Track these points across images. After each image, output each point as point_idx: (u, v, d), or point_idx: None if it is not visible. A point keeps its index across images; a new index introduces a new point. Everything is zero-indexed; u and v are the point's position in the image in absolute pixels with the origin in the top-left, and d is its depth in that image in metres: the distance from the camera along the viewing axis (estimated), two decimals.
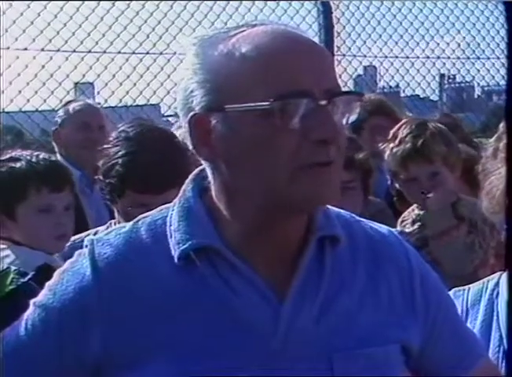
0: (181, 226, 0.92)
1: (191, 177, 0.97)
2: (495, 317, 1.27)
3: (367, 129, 2.80)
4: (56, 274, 0.96)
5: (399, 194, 2.25)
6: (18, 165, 1.70)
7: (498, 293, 1.29)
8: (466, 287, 1.34)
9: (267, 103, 0.84)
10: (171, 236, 0.92)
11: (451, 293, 1.34)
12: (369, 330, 0.93)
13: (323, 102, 0.85)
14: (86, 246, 0.95)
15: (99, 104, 4.36)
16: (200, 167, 0.96)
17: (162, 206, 0.97)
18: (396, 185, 2.14)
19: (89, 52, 3.99)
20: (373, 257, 0.97)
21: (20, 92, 3.86)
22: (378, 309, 0.95)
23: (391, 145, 2.06)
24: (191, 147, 0.92)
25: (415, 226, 2.02)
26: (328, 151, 0.86)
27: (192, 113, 0.89)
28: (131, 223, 0.96)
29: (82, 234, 1.79)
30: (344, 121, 0.88)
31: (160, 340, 0.89)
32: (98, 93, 4.32)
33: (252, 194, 0.89)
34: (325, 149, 0.86)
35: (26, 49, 3.86)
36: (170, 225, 0.93)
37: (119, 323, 0.90)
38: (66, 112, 2.88)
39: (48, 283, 0.96)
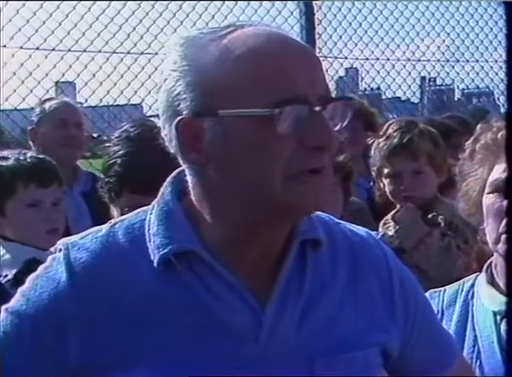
0: (160, 230, 0.90)
1: (169, 179, 0.95)
2: (469, 318, 1.28)
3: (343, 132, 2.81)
4: (28, 279, 0.93)
5: (382, 195, 2.27)
6: (6, 163, 1.77)
7: (473, 294, 1.30)
8: (442, 288, 1.34)
9: (266, 109, 0.83)
10: (150, 240, 0.90)
11: (427, 294, 1.35)
12: (350, 334, 0.93)
13: (318, 108, 0.85)
14: (60, 250, 0.92)
15: (80, 103, 4.34)
16: (178, 170, 0.94)
17: (139, 210, 0.95)
18: (380, 184, 2.15)
19: (69, 50, 3.95)
20: (352, 259, 0.97)
21: None
22: (359, 312, 0.94)
23: (379, 141, 2.07)
24: (175, 150, 0.89)
25: (397, 229, 2.02)
26: (322, 158, 0.86)
27: (179, 117, 0.86)
28: (107, 226, 0.94)
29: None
30: (337, 127, 0.87)
31: (141, 345, 0.87)
32: (79, 92, 4.29)
33: (242, 199, 0.87)
34: (320, 155, 0.86)
35: (5, 46, 3.82)
36: (149, 229, 0.91)
37: (97, 329, 0.88)
38: (42, 111, 2.84)
39: (20, 289, 0.93)
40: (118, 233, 0.92)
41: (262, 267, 0.91)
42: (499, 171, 1.24)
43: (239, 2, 4.48)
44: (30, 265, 0.95)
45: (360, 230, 1.02)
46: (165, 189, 0.94)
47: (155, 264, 0.89)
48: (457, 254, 1.92)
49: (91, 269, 0.90)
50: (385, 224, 2.09)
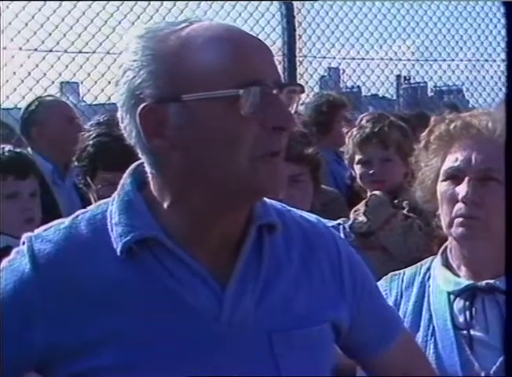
0: (122, 219, 0.87)
1: (128, 171, 0.92)
2: (426, 298, 1.26)
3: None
4: None
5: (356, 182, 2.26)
6: None
7: (429, 276, 1.29)
8: (402, 271, 1.33)
9: (231, 90, 0.81)
10: (112, 230, 0.87)
11: (388, 276, 1.33)
12: (305, 311, 0.92)
13: (276, 91, 0.84)
14: (24, 243, 0.89)
15: (84, 101, 4.31)
16: (137, 162, 0.91)
17: (101, 202, 0.93)
18: (352, 172, 2.15)
19: (65, 52, 3.93)
20: (305, 243, 0.96)
21: None
22: (312, 291, 0.94)
23: (352, 130, 2.11)
24: (135, 141, 0.86)
25: (366, 210, 2.02)
26: (281, 140, 0.85)
27: (143, 104, 0.83)
28: (70, 218, 0.91)
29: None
30: (292, 111, 0.86)
31: (106, 331, 0.85)
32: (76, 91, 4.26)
33: (207, 183, 0.84)
34: (279, 137, 0.84)
35: (5, 48, 3.79)
36: (111, 219, 0.88)
37: (63, 317, 0.85)
38: (48, 109, 2.78)
39: None
40: (81, 225, 0.89)
41: (222, 251, 0.89)
42: (451, 160, 1.22)
43: (225, 4, 4.44)
44: (3, 253, 0.92)
45: (311, 217, 1.01)
46: (125, 181, 0.91)
47: (118, 252, 0.86)
48: (418, 234, 1.93)
49: (55, 259, 0.87)
50: (355, 211, 2.09)
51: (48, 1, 3.84)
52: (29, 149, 2.68)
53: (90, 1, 3.97)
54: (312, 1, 4.54)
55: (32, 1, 3.81)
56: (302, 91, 0.88)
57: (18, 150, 1.85)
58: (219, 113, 0.82)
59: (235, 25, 0.88)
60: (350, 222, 2.01)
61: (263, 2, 4.43)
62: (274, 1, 4.35)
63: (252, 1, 4.42)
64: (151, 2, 4.14)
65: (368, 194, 2.09)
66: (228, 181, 0.84)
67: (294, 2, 4.27)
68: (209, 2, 4.31)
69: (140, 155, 0.88)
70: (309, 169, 1.81)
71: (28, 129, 2.81)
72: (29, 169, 1.78)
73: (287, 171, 1.69)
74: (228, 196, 0.85)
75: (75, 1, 3.91)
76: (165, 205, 0.87)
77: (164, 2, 4.18)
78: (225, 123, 0.82)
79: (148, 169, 0.88)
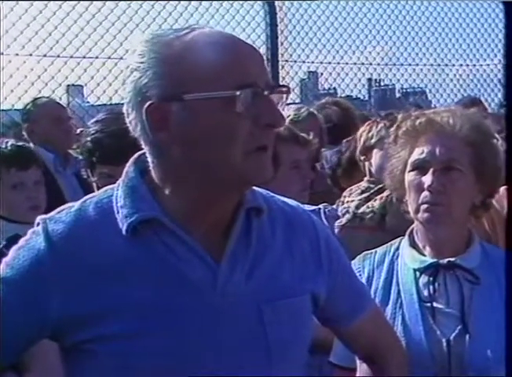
0: (127, 202, 0.88)
1: (131, 160, 0.92)
2: (394, 275, 1.27)
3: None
4: (11, 251, 0.89)
5: (345, 171, 2.21)
6: None
7: (398, 255, 1.29)
8: (374, 250, 1.33)
9: (228, 92, 0.81)
10: (118, 212, 0.88)
11: (361, 256, 1.34)
12: (288, 284, 0.93)
13: (267, 92, 0.85)
14: (38, 224, 0.89)
15: (88, 102, 4.30)
16: (139, 152, 0.91)
17: (107, 187, 0.93)
18: (371, 162, 2.00)
19: (71, 57, 3.93)
20: (287, 225, 0.97)
21: (12, 91, 3.76)
22: (294, 267, 0.95)
23: (385, 122, 1.95)
24: (140, 133, 0.86)
25: (364, 195, 1.98)
26: (271, 135, 0.85)
27: (149, 102, 0.83)
28: (79, 202, 0.91)
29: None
30: (281, 109, 0.87)
31: (112, 302, 0.85)
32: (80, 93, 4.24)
33: (204, 173, 0.85)
34: (269, 133, 0.85)
35: (17, 54, 3.77)
36: (117, 203, 0.89)
37: (75, 289, 0.86)
38: (39, 109, 2.81)
39: (4, 260, 0.89)
40: (89, 208, 0.90)
41: (215, 231, 0.89)
42: (417, 153, 1.23)
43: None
44: (12, 241, 0.91)
45: (291, 202, 1.02)
46: (129, 168, 0.92)
47: (124, 231, 0.86)
48: None
49: (67, 237, 0.87)
50: (350, 194, 2.02)
51: (57, 12, 3.83)
52: (31, 144, 2.68)
53: (95, 12, 3.96)
54: (293, 12, 4.58)
55: (43, 12, 3.79)
56: (288, 92, 0.88)
57: (20, 143, 1.80)
58: (216, 111, 0.82)
59: (232, 33, 0.88)
60: (343, 209, 1.95)
61: (248, 14, 4.45)
62: (260, 13, 4.37)
63: (239, 13, 4.44)
64: (150, 12, 4.12)
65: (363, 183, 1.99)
66: (222, 172, 0.84)
67: (277, 13, 4.30)
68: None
69: (143, 146, 0.89)
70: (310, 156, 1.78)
71: (24, 125, 2.84)
72: (30, 160, 1.74)
73: (294, 155, 1.66)
74: (221, 185, 0.86)
75: (81, 12, 3.91)
76: (165, 190, 0.88)
77: (161, 13, 4.16)
78: (222, 120, 0.83)
79: (149, 158, 0.88)
